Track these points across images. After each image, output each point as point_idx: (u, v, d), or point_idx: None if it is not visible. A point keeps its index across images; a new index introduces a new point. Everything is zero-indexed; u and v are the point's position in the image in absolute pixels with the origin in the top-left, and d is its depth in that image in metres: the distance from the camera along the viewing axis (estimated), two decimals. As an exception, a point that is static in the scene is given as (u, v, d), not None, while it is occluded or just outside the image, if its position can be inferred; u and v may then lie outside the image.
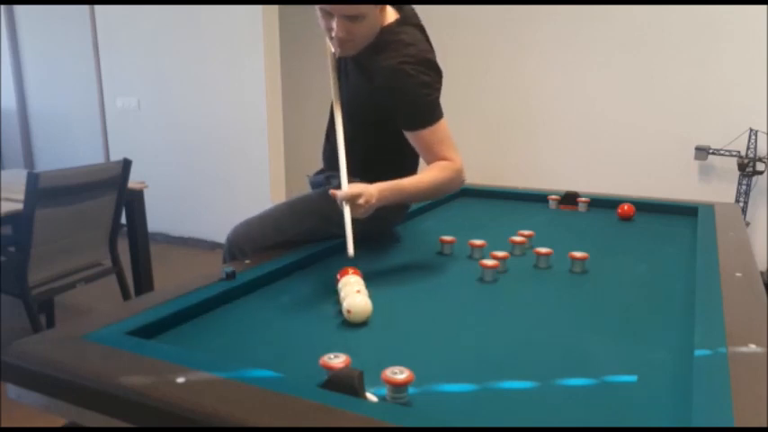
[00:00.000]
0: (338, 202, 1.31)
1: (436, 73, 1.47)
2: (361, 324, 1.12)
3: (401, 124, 1.48)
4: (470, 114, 4.37)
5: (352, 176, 1.44)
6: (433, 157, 1.48)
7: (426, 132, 1.45)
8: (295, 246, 1.53)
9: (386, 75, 1.42)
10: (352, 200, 1.30)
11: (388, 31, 1.46)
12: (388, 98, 1.45)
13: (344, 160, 1.42)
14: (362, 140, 1.56)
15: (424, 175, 1.46)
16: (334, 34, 1.39)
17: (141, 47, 4.35)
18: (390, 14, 1.49)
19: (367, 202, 1.31)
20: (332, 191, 1.32)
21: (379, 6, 1.40)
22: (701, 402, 0.78)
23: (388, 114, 1.48)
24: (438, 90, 1.47)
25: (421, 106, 1.44)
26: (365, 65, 1.48)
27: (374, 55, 1.44)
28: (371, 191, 1.33)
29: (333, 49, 1.50)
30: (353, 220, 1.31)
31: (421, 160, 1.57)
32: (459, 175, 1.49)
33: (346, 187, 1.34)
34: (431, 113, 1.45)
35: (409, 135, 1.48)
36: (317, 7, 1.38)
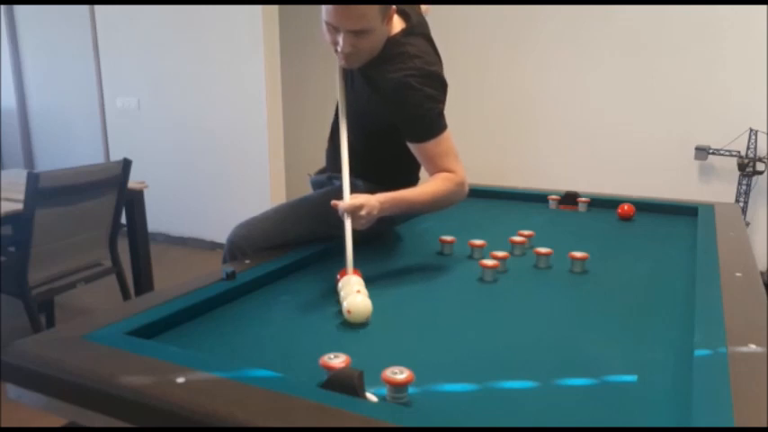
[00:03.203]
0: (339, 213, 1.31)
1: (441, 85, 1.46)
2: (361, 324, 1.12)
3: (405, 136, 1.47)
4: (470, 114, 4.37)
5: (353, 178, 1.44)
6: (436, 169, 1.47)
7: (430, 145, 1.44)
8: (295, 246, 1.53)
9: (391, 87, 1.41)
10: (353, 212, 1.29)
11: (394, 42, 1.45)
12: (392, 110, 1.44)
13: (347, 171, 1.41)
14: (365, 147, 1.56)
15: (426, 187, 1.45)
16: (339, 49, 1.38)
17: (141, 47, 4.35)
18: (397, 24, 1.48)
19: (368, 213, 1.31)
20: (333, 202, 1.31)
21: (385, 19, 1.38)
22: (701, 402, 0.78)
23: (391, 124, 1.47)
24: (443, 102, 1.46)
25: (425, 119, 1.43)
26: (371, 76, 1.47)
27: (380, 66, 1.43)
28: (373, 203, 1.32)
29: (339, 63, 1.49)
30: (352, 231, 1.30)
31: (423, 171, 1.57)
32: (461, 187, 1.48)
33: (348, 199, 1.33)
34: (435, 126, 1.44)
35: (412, 147, 1.47)
36: (322, 20, 1.37)
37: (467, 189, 1.51)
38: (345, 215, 1.30)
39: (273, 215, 1.62)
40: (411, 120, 1.44)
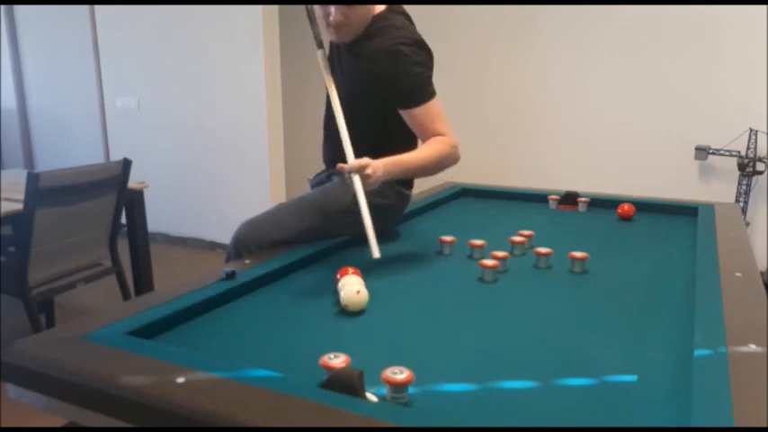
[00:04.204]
0: (345, 175, 1.33)
1: (427, 53, 1.55)
2: (361, 322, 1.12)
3: (396, 103, 1.53)
4: (470, 114, 4.37)
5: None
6: (428, 134, 1.53)
7: (420, 110, 1.51)
8: (299, 244, 1.53)
9: (382, 55, 1.49)
10: (360, 170, 1.32)
11: (379, 18, 1.54)
12: (383, 78, 1.50)
13: (347, 136, 1.44)
14: (361, 127, 1.58)
15: (422, 150, 1.52)
16: (331, 19, 1.46)
17: (141, 47, 4.35)
18: (379, 6, 1.57)
19: (374, 173, 1.34)
20: (339, 165, 1.34)
21: None
22: (701, 402, 0.78)
23: (384, 98, 1.53)
24: (431, 69, 1.54)
25: (416, 84, 1.50)
26: (359, 51, 1.54)
27: (368, 40, 1.52)
28: (376, 163, 1.36)
29: (329, 37, 1.57)
30: (351, 221, 1.32)
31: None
32: (455, 149, 1.54)
33: (352, 160, 1.36)
34: (424, 91, 1.51)
35: (404, 113, 1.53)
36: None
37: (459, 152, 1.56)
38: (353, 175, 1.32)
39: (277, 213, 1.63)
40: (402, 85, 1.50)
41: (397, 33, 1.50)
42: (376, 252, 1.28)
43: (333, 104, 1.52)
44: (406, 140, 1.60)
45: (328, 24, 1.49)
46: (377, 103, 1.55)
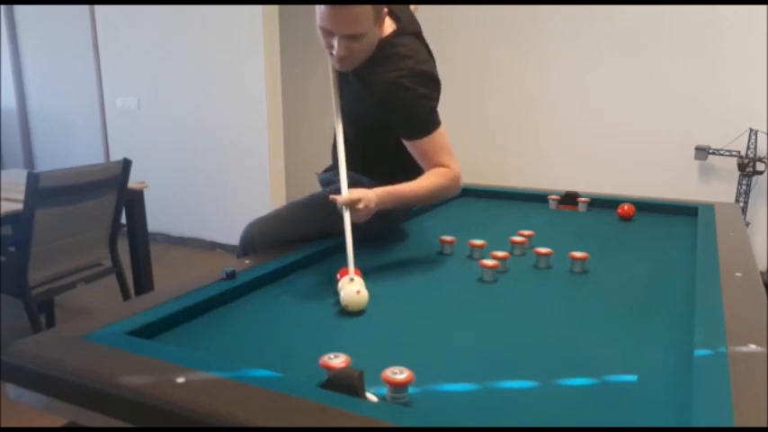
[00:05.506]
0: (338, 207, 1.34)
1: (433, 83, 1.49)
2: (361, 322, 1.12)
3: (400, 134, 1.50)
4: (470, 114, 4.37)
5: (358, 175, 1.46)
6: (431, 165, 1.51)
7: (424, 141, 1.48)
8: (307, 243, 1.54)
9: (383, 88, 1.44)
10: (351, 204, 1.33)
11: (386, 43, 1.47)
12: (386, 110, 1.47)
13: (344, 167, 1.44)
14: (367, 144, 1.59)
15: (421, 181, 1.49)
16: (334, 52, 1.41)
17: (141, 47, 4.35)
18: (388, 26, 1.50)
19: (366, 206, 1.34)
20: (332, 196, 1.35)
21: (378, 22, 1.41)
22: (701, 402, 0.78)
23: (388, 123, 1.50)
24: (435, 100, 1.50)
25: (418, 117, 1.47)
26: (364, 77, 1.49)
27: (373, 68, 1.46)
28: (370, 196, 1.36)
29: (332, 64, 1.52)
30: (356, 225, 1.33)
31: None
32: (455, 181, 1.53)
33: (346, 193, 1.36)
34: (428, 123, 1.48)
35: (408, 144, 1.51)
36: (317, 25, 1.39)
37: (461, 183, 1.55)
38: (344, 208, 1.33)
39: (285, 213, 1.64)
40: (405, 118, 1.47)
41: (401, 65, 1.44)
42: (351, 274, 1.24)
43: (336, 129, 1.51)
44: (409, 159, 1.60)
45: (331, 55, 1.44)
46: (380, 125, 1.53)
